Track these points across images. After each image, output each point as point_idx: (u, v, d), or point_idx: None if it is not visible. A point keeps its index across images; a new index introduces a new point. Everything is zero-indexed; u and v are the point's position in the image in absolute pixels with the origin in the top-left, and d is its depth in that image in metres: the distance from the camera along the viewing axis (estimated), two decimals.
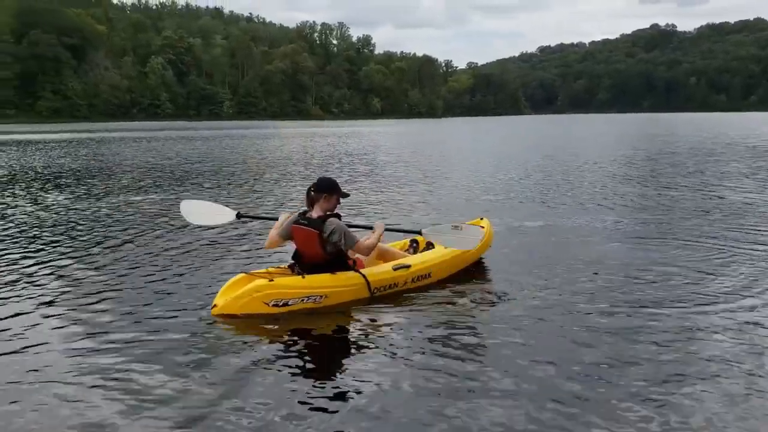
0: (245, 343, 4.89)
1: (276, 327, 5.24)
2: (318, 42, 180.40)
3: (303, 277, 5.66)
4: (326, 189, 5.87)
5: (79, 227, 9.98)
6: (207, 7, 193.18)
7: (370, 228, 6.29)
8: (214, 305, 5.44)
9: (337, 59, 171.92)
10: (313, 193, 5.87)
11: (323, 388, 4.15)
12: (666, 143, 33.24)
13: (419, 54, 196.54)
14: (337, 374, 4.42)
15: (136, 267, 7.29)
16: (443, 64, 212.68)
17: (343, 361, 4.74)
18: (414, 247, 7.15)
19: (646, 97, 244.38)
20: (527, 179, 16.29)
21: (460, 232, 6.36)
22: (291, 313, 5.45)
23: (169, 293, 6.17)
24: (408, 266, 6.20)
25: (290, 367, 4.49)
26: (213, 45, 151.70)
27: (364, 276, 5.87)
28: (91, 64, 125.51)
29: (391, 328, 5.25)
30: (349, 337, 5.29)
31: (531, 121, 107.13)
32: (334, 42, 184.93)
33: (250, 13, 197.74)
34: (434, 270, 6.45)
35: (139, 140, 42.64)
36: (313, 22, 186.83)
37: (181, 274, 6.89)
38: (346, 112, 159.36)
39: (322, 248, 5.71)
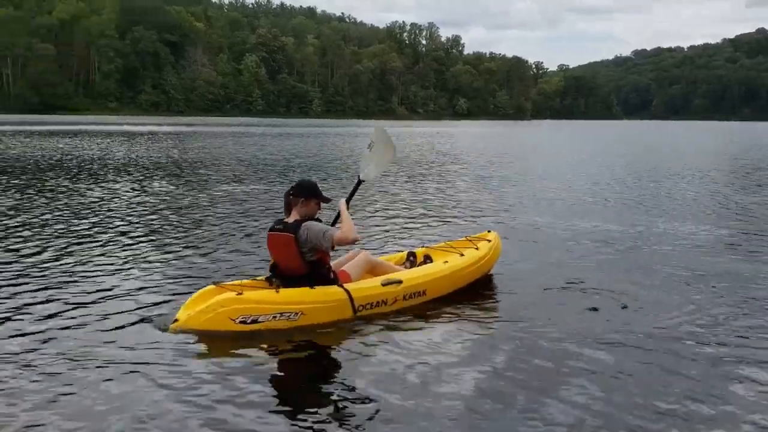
0: (203, 365, 4.29)
1: (241, 348, 4.60)
2: (407, 42, 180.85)
3: (277, 291, 5.04)
4: (304, 193, 5.28)
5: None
6: (301, 6, 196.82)
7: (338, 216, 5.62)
8: (176, 319, 4.85)
9: (425, 59, 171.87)
10: (291, 197, 5.31)
11: (289, 422, 3.62)
12: None
13: (509, 55, 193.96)
14: (307, 409, 3.77)
15: (104, 266, 6.87)
16: (533, 66, 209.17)
17: (316, 393, 4.06)
18: (411, 261, 6.37)
19: (746, 105, 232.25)
20: (619, 185, 15.67)
21: (375, 147, 6.11)
22: (261, 332, 4.80)
23: (133, 299, 5.68)
24: (399, 281, 5.47)
25: (254, 395, 3.91)
26: (305, 44, 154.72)
27: (347, 291, 5.19)
28: (188, 60, 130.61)
29: (376, 355, 4.57)
30: (325, 362, 4.62)
31: (624, 127, 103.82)
32: (423, 42, 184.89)
33: (342, 13, 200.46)
34: (430, 287, 5.71)
35: (240, 135, 43.89)
36: (403, 22, 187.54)
37: (148, 280, 6.34)
38: (431, 113, 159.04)
39: (299, 256, 5.07)
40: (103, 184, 14.54)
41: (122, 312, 5.33)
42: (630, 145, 40.89)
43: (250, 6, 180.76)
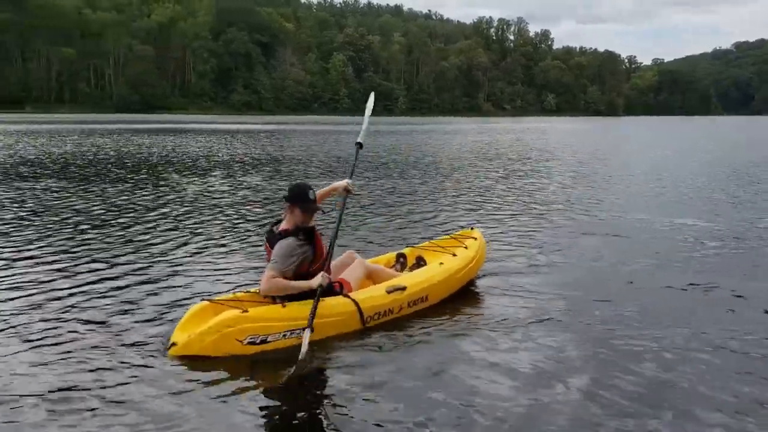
0: (213, 394, 3.79)
1: (251, 372, 4.13)
2: (494, 38, 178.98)
3: (283, 306, 4.58)
4: (289, 198, 4.79)
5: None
6: (387, 5, 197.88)
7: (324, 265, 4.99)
8: (173, 344, 4.30)
9: (513, 55, 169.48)
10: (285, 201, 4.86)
11: None
12: None
13: (600, 50, 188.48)
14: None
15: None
16: (626, 61, 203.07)
17: (343, 417, 3.64)
18: (402, 263, 6.04)
19: None
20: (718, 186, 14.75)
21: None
22: (270, 353, 4.35)
23: (114, 322, 4.95)
24: (403, 288, 5.14)
25: (274, 424, 3.60)
26: (391, 42, 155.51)
27: (355, 302, 4.84)
28: (278, 60, 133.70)
29: (393, 370, 4.17)
30: (345, 382, 4.03)
31: (723, 123, 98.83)
32: (511, 37, 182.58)
33: (429, 10, 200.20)
34: (431, 292, 5.42)
35: (338, 132, 44.52)
36: (490, 17, 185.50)
37: (130, 300, 5.52)
38: (519, 109, 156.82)
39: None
40: (216, 177, 14.92)
41: (111, 332, 4.72)
42: (729, 142, 38.75)
43: (338, 6, 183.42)
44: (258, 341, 4.35)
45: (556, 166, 19.46)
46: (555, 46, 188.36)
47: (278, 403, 3.79)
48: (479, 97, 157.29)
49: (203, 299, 4.77)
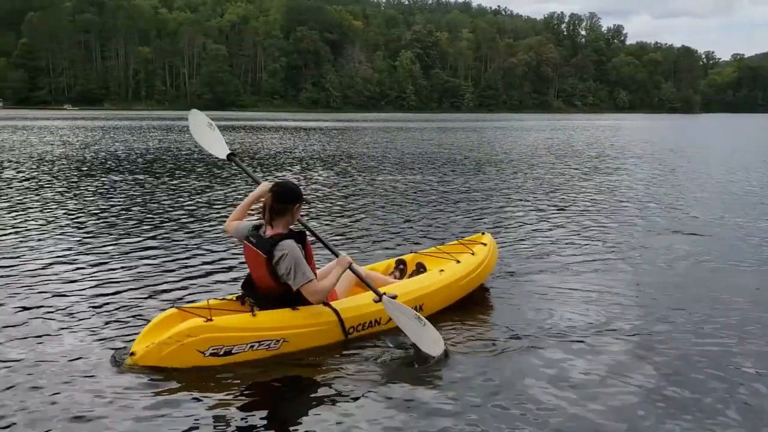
0: (165, 411, 3.47)
1: (212, 387, 3.77)
2: (565, 33, 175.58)
3: (253, 315, 4.19)
4: (283, 198, 4.39)
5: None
6: (456, 1, 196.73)
7: (335, 254, 4.66)
8: (132, 353, 3.98)
9: (585, 50, 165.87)
10: (273, 203, 4.37)
11: None
12: None
13: (677, 45, 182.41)
14: None
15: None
16: (703, 56, 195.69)
17: None
18: (401, 270, 5.61)
19: None
20: None
21: (421, 326, 4.39)
22: (235, 365, 4.01)
23: (84, 327, 4.66)
24: (394, 297, 4.61)
25: None
26: (459, 38, 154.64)
27: (335, 311, 4.40)
28: (347, 58, 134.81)
29: (374, 386, 3.81)
30: (315, 401, 3.68)
31: None
32: (583, 33, 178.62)
33: (498, 6, 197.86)
34: (427, 300, 4.97)
35: (408, 130, 44.62)
36: (561, 13, 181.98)
37: (101, 304, 5.20)
38: (590, 105, 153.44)
39: (272, 278, 4.24)
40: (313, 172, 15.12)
41: (68, 341, 4.42)
42: None
43: (406, 3, 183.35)
44: (221, 353, 4.00)
45: (638, 164, 18.94)
46: (628, 42, 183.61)
47: (236, 421, 3.42)
48: (549, 94, 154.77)
49: (173, 306, 4.48)
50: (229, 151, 5.22)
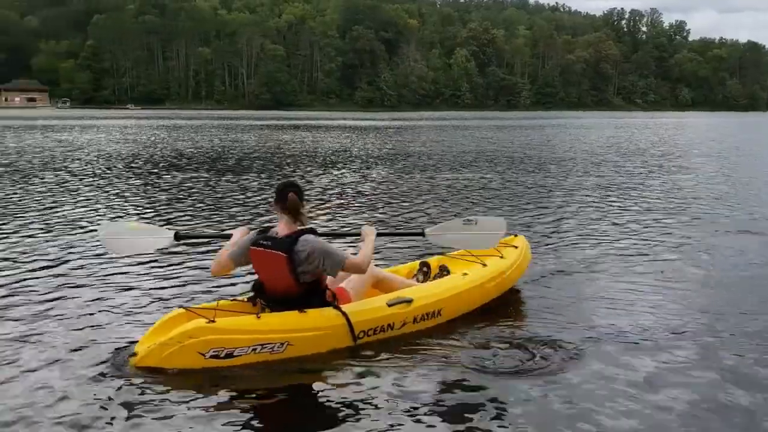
0: (162, 415, 3.37)
1: (211, 390, 3.65)
2: (625, 30, 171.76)
3: (258, 317, 4.07)
4: (304, 198, 4.33)
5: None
6: None
7: (357, 234, 4.72)
8: (135, 353, 3.93)
9: (646, 47, 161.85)
10: (276, 204, 4.28)
11: None
12: None
13: (742, 40, 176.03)
14: None
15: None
16: None
17: None
18: (425, 273, 5.38)
19: None
20: None
21: (473, 228, 4.78)
22: (237, 369, 3.89)
23: (92, 327, 4.64)
24: (409, 300, 4.50)
25: None
26: (515, 35, 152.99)
27: (344, 314, 4.23)
28: (401, 56, 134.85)
29: (382, 396, 3.61)
30: (318, 408, 3.59)
31: None
32: (644, 29, 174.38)
33: (556, 3, 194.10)
34: (446, 305, 4.72)
35: (465, 128, 44.49)
36: (622, 9, 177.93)
37: (109, 302, 5.20)
38: (651, 103, 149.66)
39: (294, 278, 4.11)
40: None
41: (75, 340, 4.39)
42: None
43: (462, 1, 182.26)
44: (222, 355, 3.89)
45: (706, 163, 18.43)
46: (691, 38, 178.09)
47: (234, 426, 3.30)
48: (608, 91, 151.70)
49: (181, 306, 4.38)
50: (171, 233, 4.83)
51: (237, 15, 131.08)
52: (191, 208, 10.01)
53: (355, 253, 4.38)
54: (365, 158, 19.62)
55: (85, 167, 16.02)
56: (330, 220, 9.02)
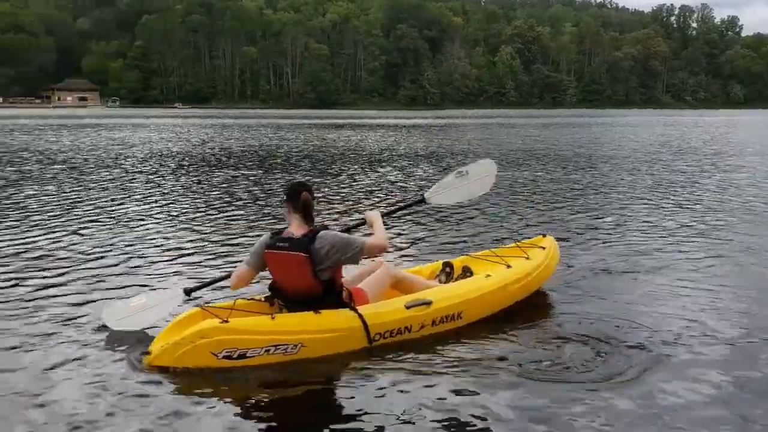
0: (173, 416, 3.32)
1: (223, 392, 3.61)
2: (674, 26, 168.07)
3: (272, 318, 4.02)
4: (314, 197, 4.31)
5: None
6: None
7: (362, 223, 4.69)
8: (149, 352, 3.90)
9: (696, 43, 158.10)
10: (287, 204, 4.26)
11: None
12: None
13: None
14: None
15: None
16: None
17: None
18: (448, 273, 5.23)
19: None
20: None
21: (466, 178, 5.06)
22: (250, 369, 3.83)
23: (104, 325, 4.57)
24: (428, 302, 4.38)
25: None
26: (561, 32, 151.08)
27: (360, 316, 4.14)
28: (445, 54, 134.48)
29: (396, 400, 3.50)
30: (332, 411, 3.53)
31: None
32: (694, 25, 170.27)
33: None
34: (467, 308, 4.58)
35: (510, 126, 44.24)
36: (671, 5, 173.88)
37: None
38: (701, 101, 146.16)
39: (314, 276, 4.05)
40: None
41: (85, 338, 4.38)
42: None
43: None
44: (235, 355, 3.84)
45: (762, 162, 17.93)
46: (743, 34, 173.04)
47: (245, 427, 3.27)
48: (657, 89, 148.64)
49: (197, 305, 4.36)
50: (180, 291, 4.73)
51: (282, 14, 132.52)
52: (246, 205, 10.17)
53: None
54: (412, 156, 19.66)
55: (141, 164, 16.43)
56: (337, 216, 9.05)
